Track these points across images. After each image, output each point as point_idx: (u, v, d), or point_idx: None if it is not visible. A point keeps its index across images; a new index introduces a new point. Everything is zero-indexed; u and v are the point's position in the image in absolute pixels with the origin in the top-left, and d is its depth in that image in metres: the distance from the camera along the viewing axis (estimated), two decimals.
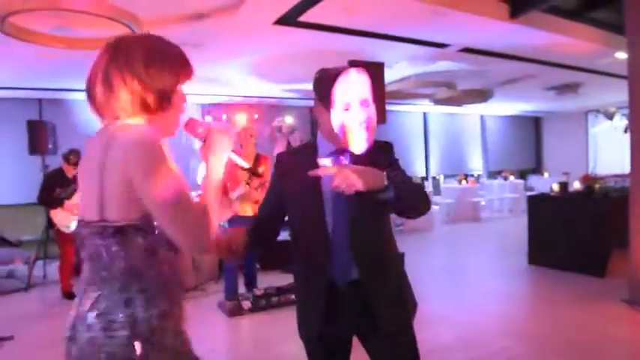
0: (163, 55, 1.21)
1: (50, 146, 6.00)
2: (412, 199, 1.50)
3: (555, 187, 5.99)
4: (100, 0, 3.32)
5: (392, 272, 1.67)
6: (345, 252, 1.59)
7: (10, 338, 3.84)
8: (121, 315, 1.12)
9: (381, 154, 1.65)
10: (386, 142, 1.72)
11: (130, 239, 1.14)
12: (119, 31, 3.83)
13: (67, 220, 5.04)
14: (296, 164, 1.66)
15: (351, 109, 1.54)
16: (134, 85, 1.16)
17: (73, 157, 5.17)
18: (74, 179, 5.16)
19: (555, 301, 4.48)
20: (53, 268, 5.89)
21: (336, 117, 1.55)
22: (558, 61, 6.42)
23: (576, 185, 5.88)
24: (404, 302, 1.68)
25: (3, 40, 4.17)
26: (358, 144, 1.56)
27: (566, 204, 5.71)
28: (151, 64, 1.18)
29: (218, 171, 1.25)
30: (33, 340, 3.86)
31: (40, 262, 5.90)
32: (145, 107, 1.19)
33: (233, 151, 1.32)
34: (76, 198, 5.09)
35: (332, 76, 1.55)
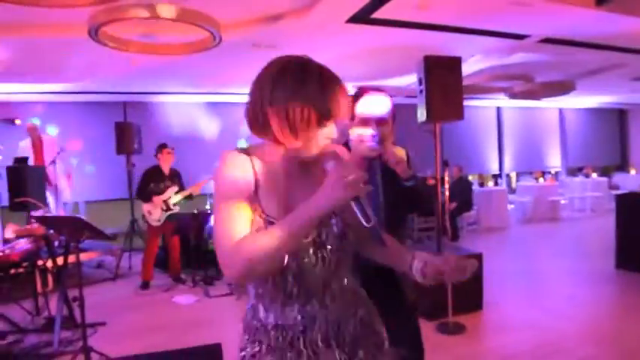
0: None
1: (136, 146, 6.39)
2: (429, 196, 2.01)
3: None
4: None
5: None
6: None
7: (103, 324, 4.15)
8: None
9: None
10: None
11: None
12: (200, 35, 4.02)
13: (158, 214, 5.34)
14: None
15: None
16: None
17: (166, 147, 5.44)
18: (168, 176, 5.45)
19: None
20: (138, 260, 6.29)
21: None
22: None
23: None
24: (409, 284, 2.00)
25: (94, 52, 4.50)
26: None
27: None
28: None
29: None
30: (122, 327, 4.14)
31: (125, 254, 6.33)
32: None
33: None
34: (168, 193, 5.38)
35: (356, 94, 1.90)
